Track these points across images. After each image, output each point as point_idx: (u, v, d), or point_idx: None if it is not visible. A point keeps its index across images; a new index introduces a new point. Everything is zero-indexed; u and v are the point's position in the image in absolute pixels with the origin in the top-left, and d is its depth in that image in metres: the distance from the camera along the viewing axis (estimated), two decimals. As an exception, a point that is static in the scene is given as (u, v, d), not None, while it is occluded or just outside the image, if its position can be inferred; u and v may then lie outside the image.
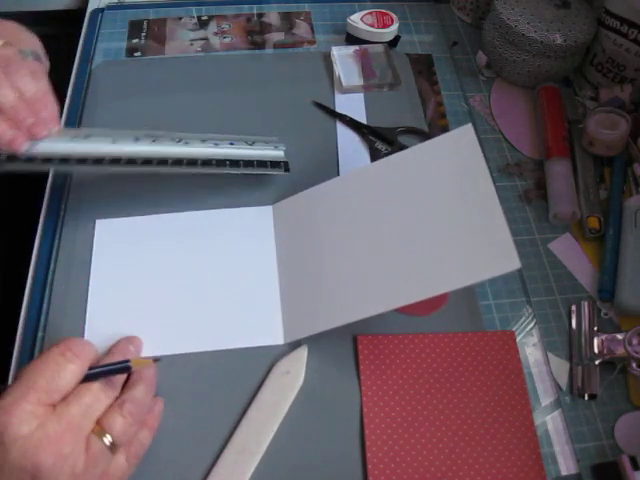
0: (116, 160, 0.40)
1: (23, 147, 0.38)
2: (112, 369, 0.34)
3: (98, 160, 0.40)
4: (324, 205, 0.45)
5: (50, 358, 0.33)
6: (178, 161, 0.42)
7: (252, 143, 0.47)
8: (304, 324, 0.42)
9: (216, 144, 0.45)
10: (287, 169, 0.48)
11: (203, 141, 0.45)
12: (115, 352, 0.38)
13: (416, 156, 0.43)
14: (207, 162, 0.44)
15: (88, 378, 0.33)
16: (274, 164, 0.47)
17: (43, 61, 0.45)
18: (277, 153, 0.48)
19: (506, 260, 0.36)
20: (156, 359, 0.36)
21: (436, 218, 0.40)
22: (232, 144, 0.46)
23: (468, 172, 0.40)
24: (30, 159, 0.39)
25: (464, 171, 0.40)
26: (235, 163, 0.45)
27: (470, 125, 0.41)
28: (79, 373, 0.33)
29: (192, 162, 0.43)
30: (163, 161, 0.42)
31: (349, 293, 0.41)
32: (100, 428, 0.32)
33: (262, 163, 0.47)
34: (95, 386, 0.33)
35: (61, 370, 0.32)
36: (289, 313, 0.43)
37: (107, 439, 0.32)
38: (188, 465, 0.37)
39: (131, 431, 0.34)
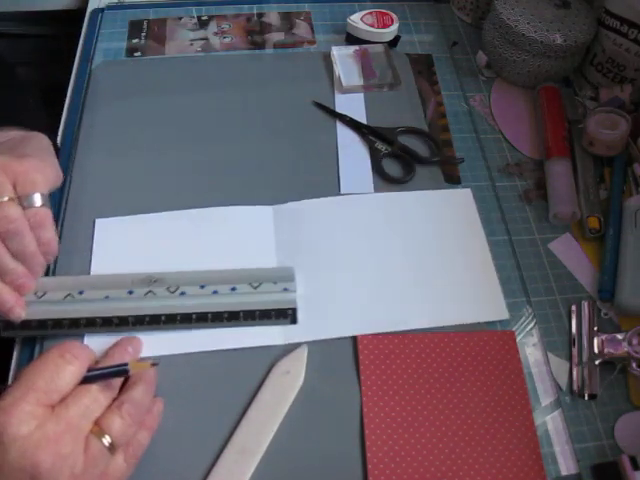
0: (107, 321, 0.41)
1: (23, 314, 0.40)
2: (110, 372, 0.35)
3: (90, 321, 0.41)
4: (326, 218, 0.45)
5: (49, 359, 0.33)
6: (171, 317, 0.41)
7: (257, 286, 0.43)
8: (304, 328, 0.42)
9: (215, 292, 0.42)
10: (294, 320, 0.42)
11: (202, 287, 0.43)
12: (114, 353, 0.38)
13: (419, 200, 0.50)
14: (202, 317, 0.41)
15: (86, 380, 0.34)
16: (280, 313, 0.42)
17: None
18: (286, 297, 0.43)
19: (497, 311, 0.45)
20: (154, 363, 0.36)
21: (435, 262, 0.46)
22: (234, 289, 0.43)
23: (466, 229, 0.49)
24: (25, 324, 0.40)
25: (463, 227, 0.49)
26: (234, 315, 0.42)
27: (469, 190, 0.51)
28: (78, 374, 0.33)
29: (186, 318, 0.41)
30: (155, 318, 0.41)
31: (349, 307, 0.44)
32: (99, 429, 0.33)
33: (266, 314, 0.42)
34: (94, 387, 0.33)
35: (60, 371, 0.33)
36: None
37: (106, 440, 0.32)
38: (188, 465, 0.37)
39: (130, 432, 0.34)
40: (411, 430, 0.39)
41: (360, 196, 0.50)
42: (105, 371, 0.35)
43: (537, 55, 0.56)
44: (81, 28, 0.63)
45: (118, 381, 0.35)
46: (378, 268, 0.46)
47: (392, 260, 0.46)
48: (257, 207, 0.48)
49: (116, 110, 0.54)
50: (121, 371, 0.34)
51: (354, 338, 0.43)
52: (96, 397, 0.33)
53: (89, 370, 0.34)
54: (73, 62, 0.59)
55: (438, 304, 0.44)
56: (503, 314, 0.44)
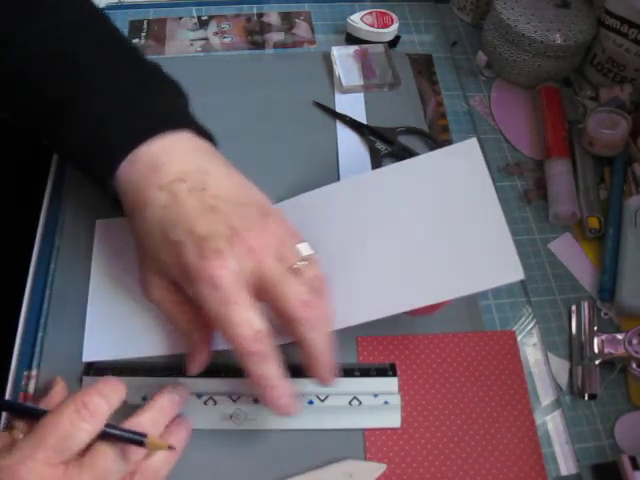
0: None
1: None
2: (126, 437, 0.32)
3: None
4: (326, 208, 0.44)
5: (64, 414, 0.30)
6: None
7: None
8: None
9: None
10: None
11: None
12: (155, 405, 0.35)
13: (419, 166, 0.44)
14: None
15: (103, 436, 0.31)
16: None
17: None
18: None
19: (511, 270, 0.38)
20: (171, 446, 0.33)
21: (440, 227, 0.41)
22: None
23: (472, 185, 0.41)
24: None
25: (468, 184, 0.42)
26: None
27: (475, 139, 0.42)
28: (93, 433, 0.31)
29: None
30: None
31: (354, 296, 0.41)
32: None
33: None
34: (111, 454, 0.31)
35: (75, 430, 0.30)
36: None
37: None
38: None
39: None
40: (411, 430, 0.39)
41: (358, 177, 0.46)
42: (122, 434, 0.32)
43: (537, 55, 0.56)
44: (81, 28, 0.63)
45: (140, 452, 0.32)
46: (384, 250, 0.42)
47: (398, 237, 0.42)
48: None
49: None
50: (136, 440, 0.32)
51: (355, 340, 0.43)
52: (110, 467, 0.31)
53: (107, 425, 0.32)
54: (73, 62, 0.59)
55: (449, 275, 0.40)
56: (518, 274, 0.38)
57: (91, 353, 0.41)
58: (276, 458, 0.38)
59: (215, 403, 0.39)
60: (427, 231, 0.40)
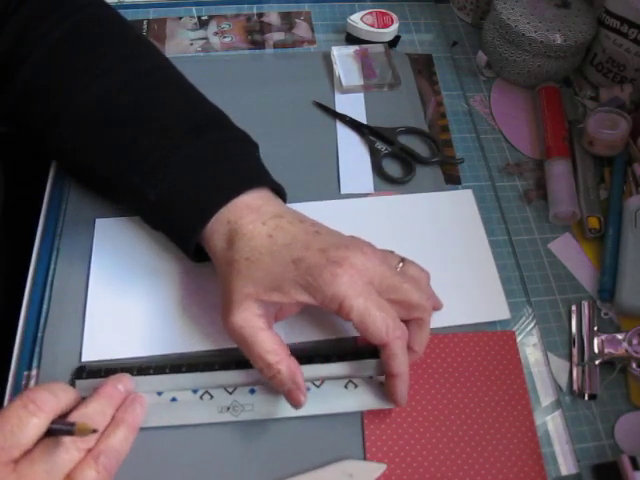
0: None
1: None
2: (57, 429, 0.31)
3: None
4: (327, 222, 0.45)
5: (12, 411, 0.31)
6: None
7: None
8: (308, 330, 0.42)
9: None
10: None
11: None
12: (101, 393, 0.35)
13: (419, 202, 0.50)
14: None
15: (48, 432, 0.31)
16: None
17: None
18: None
19: (498, 310, 0.45)
20: (95, 430, 0.32)
21: (435, 262, 0.44)
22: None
23: (467, 230, 0.49)
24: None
25: (463, 228, 0.49)
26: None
27: (470, 191, 0.51)
28: (43, 427, 0.31)
29: None
30: None
31: None
32: None
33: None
34: (61, 444, 0.31)
35: (23, 425, 0.30)
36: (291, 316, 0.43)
37: None
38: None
39: None
40: (411, 430, 0.39)
41: (360, 199, 0.50)
42: (53, 426, 0.31)
43: (537, 55, 0.56)
44: (81, 28, 0.63)
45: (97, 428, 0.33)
46: None
47: None
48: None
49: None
50: (66, 431, 0.31)
51: (355, 339, 0.43)
52: (67, 448, 0.31)
53: (53, 421, 0.31)
54: (73, 62, 0.59)
55: (449, 302, 0.44)
56: (504, 314, 0.44)
57: (91, 353, 0.41)
58: (276, 458, 0.38)
59: (211, 397, 0.39)
60: (424, 262, 0.43)
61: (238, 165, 0.41)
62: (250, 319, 0.36)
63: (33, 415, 0.31)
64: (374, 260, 0.37)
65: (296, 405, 0.37)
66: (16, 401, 0.31)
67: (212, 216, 0.38)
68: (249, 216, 0.38)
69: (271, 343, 0.36)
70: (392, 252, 0.41)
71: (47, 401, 0.32)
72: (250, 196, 0.39)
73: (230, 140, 0.43)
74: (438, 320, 0.43)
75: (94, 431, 0.32)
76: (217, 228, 0.39)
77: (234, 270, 0.37)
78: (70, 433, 0.31)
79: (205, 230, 0.39)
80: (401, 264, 0.40)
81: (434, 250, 0.47)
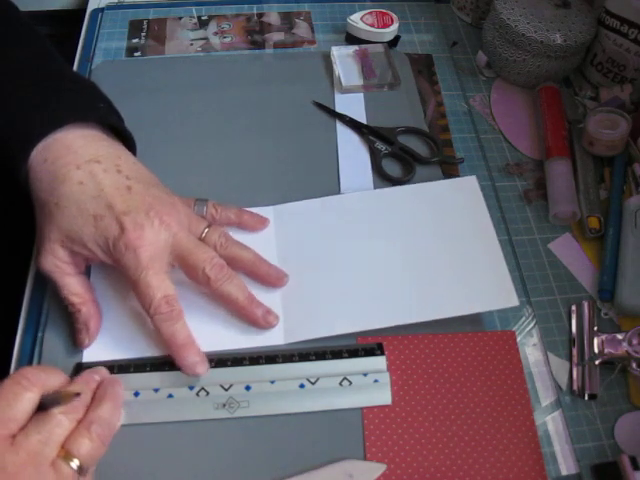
0: None
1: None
2: (46, 401, 0.33)
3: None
4: (327, 217, 0.45)
5: (5, 387, 0.32)
6: None
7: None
8: (304, 327, 0.42)
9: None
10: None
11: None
12: (78, 380, 0.36)
13: (423, 192, 0.49)
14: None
15: (41, 406, 0.33)
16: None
17: None
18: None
19: (505, 297, 0.43)
20: (77, 393, 0.34)
21: (440, 251, 0.44)
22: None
23: (472, 216, 0.47)
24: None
25: (468, 215, 0.47)
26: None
27: (474, 177, 0.49)
28: (36, 401, 0.32)
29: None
30: None
31: (352, 304, 0.43)
32: (66, 452, 0.32)
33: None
34: (56, 411, 0.32)
35: (17, 399, 0.32)
36: (290, 315, 0.43)
37: (74, 463, 0.31)
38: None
39: (99, 453, 0.33)
40: (411, 430, 0.39)
41: (362, 193, 0.49)
42: (42, 399, 0.33)
43: (537, 55, 0.56)
44: (81, 28, 0.63)
45: (84, 401, 0.34)
46: (383, 263, 0.45)
47: (397, 254, 0.45)
48: (257, 208, 0.48)
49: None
50: (53, 400, 0.33)
51: (355, 339, 0.43)
52: (59, 420, 0.32)
53: (42, 396, 0.33)
54: (73, 62, 0.59)
55: (446, 295, 0.43)
56: (513, 301, 0.43)
57: (91, 353, 0.41)
58: (276, 457, 0.38)
59: (207, 394, 0.39)
60: (427, 252, 0.43)
61: (63, 101, 0.40)
62: (57, 264, 0.39)
63: (27, 390, 0.32)
64: (173, 227, 0.39)
65: (79, 346, 0.40)
66: (9, 379, 0.33)
67: (28, 153, 0.38)
68: (66, 157, 0.38)
69: (76, 287, 0.40)
70: (202, 217, 0.43)
71: (38, 377, 0.33)
72: (74, 134, 0.39)
73: (69, 82, 0.43)
74: (446, 310, 0.42)
75: (77, 394, 0.34)
76: (35, 167, 0.38)
77: (45, 213, 0.38)
78: (57, 402, 0.33)
79: (28, 168, 0.39)
80: (207, 230, 0.41)
81: (440, 238, 0.46)
